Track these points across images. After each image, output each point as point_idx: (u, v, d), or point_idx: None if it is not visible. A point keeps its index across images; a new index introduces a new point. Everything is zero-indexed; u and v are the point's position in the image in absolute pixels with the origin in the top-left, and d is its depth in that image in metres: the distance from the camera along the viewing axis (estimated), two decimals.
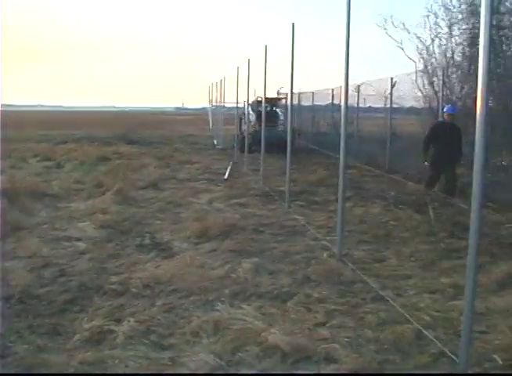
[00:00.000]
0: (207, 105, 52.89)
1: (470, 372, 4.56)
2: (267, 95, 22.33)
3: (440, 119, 13.93)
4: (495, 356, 4.95)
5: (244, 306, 6.02)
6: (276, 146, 18.48)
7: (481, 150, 4.28)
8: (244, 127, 23.71)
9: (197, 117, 72.51)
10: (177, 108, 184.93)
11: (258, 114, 22.16)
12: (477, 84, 4.30)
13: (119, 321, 5.55)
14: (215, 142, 29.48)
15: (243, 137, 22.16)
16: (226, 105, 31.87)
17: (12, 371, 4.70)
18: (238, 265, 7.40)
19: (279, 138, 15.74)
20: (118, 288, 6.52)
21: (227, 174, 17.07)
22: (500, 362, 4.86)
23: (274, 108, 26.28)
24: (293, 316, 5.79)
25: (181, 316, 5.78)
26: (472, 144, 4.48)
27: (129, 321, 5.52)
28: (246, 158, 19.10)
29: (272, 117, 24.29)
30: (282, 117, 25.34)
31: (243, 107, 24.50)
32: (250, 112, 24.65)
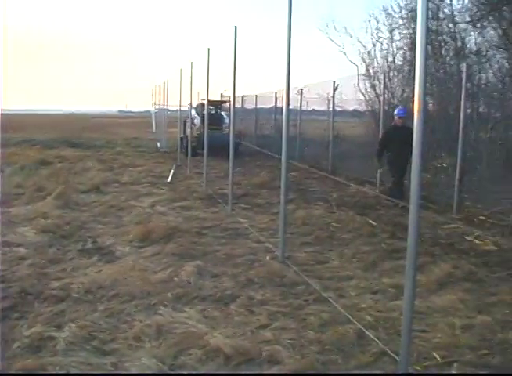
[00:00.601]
0: (150, 108, 52.58)
1: (410, 372, 4.63)
2: (212, 98, 22.27)
3: (392, 123, 13.54)
4: (434, 354, 5.06)
5: (187, 310, 6.02)
6: (222, 149, 18.40)
7: (418, 152, 4.35)
8: (189, 130, 23.57)
9: (141, 119, 71.85)
10: (120, 111, 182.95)
11: (203, 117, 22.11)
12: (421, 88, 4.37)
13: (60, 327, 5.48)
14: (159, 145, 29.27)
15: (188, 140, 22.01)
16: (170, 108, 31.72)
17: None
18: (181, 269, 7.37)
19: (225, 141, 15.69)
20: (59, 294, 6.43)
21: (170, 177, 16.99)
22: (440, 359, 4.98)
23: (219, 111, 26.21)
24: (236, 319, 5.81)
25: (123, 320, 5.73)
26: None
27: (70, 327, 5.45)
28: (190, 161, 19.03)
29: (217, 120, 24.23)
30: (227, 121, 25.23)
31: (187, 110, 24.38)
32: (195, 115, 24.53)
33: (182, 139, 24.55)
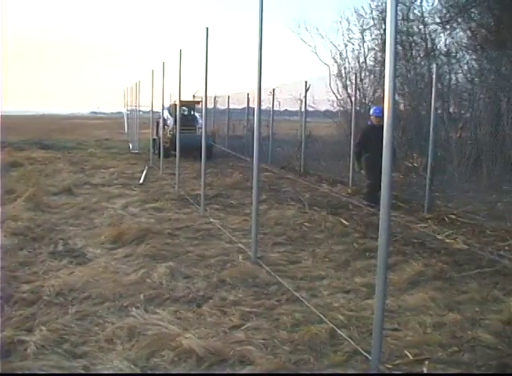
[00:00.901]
0: (122, 109, 52.32)
1: (381, 370, 4.66)
2: (186, 99, 22.12)
3: (369, 123, 13.13)
4: (406, 352, 5.10)
5: (159, 311, 6.00)
6: (195, 150, 18.23)
7: (388, 151, 4.39)
8: (162, 131, 23.36)
9: (113, 121, 71.50)
10: (92, 112, 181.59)
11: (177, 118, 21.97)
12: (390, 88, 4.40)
13: (30, 331, 5.41)
14: (131, 146, 29.15)
15: (161, 141, 21.81)
16: (142, 109, 31.58)
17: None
18: (153, 270, 7.34)
19: (199, 142, 15.52)
20: (30, 297, 6.34)
21: (142, 178, 16.91)
22: (411, 357, 5.02)
23: (192, 112, 26.00)
24: (208, 320, 5.80)
25: (95, 323, 5.69)
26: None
27: (41, 330, 5.39)
28: (163, 162, 18.96)
29: (190, 121, 24.11)
30: (201, 121, 25.00)
31: (160, 111, 24.26)
32: (168, 116, 24.38)
33: (154, 140, 24.38)
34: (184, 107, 24.81)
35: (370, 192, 12.52)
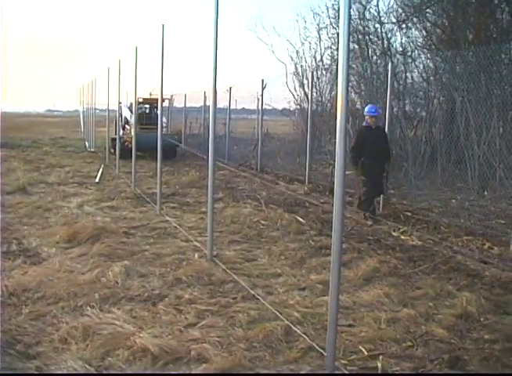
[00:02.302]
0: (78, 107, 51.72)
1: (337, 365, 4.70)
2: (149, 97, 21.85)
3: (364, 123, 11.79)
4: (360, 348, 5.16)
5: (114, 310, 5.95)
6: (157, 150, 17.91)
7: (341, 148, 4.41)
8: (122, 130, 22.93)
9: (69, 119, 70.76)
10: (48, 110, 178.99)
11: (139, 117, 21.71)
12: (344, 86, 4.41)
13: None
14: (87, 144, 28.87)
15: (123, 141, 21.36)
16: (98, 107, 31.21)
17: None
18: (108, 269, 7.28)
19: (163, 141, 15.08)
20: None
21: (98, 177, 16.77)
22: (366, 353, 5.08)
23: (155, 110, 25.49)
24: (163, 318, 5.78)
25: (49, 323, 5.63)
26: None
27: None
28: (119, 161, 18.79)
29: (153, 119, 23.76)
30: (165, 120, 24.53)
31: (117, 109, 23.89)
32: (130, 114, 24.03)
33: (114, 139, 23.88)
34: (146, 105, 24.57)
35: (366, 200, 11.40)
